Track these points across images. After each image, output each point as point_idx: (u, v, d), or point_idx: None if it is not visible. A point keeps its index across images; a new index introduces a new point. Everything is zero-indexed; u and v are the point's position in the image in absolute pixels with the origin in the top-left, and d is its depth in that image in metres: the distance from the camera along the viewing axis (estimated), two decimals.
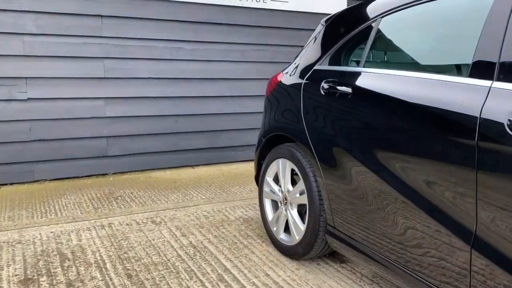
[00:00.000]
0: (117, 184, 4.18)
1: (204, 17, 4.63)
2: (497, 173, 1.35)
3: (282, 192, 2.61)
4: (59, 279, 2.27)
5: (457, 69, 1.76)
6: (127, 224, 3.10)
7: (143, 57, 4.41)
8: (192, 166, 4.91)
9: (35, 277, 2.29)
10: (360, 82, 2.04)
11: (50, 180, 4.26)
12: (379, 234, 1.90)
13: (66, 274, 2.33)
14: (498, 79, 1.41)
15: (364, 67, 2.11)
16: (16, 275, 2.32)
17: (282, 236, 2.64)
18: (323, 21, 2.70)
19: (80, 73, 4.17)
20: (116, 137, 4.43)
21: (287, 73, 2.75)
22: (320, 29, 2.66)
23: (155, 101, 4.56)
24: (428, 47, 1.93)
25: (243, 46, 4.94)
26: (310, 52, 2.61)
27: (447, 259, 1.57)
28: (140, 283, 2.24)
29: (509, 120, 1.30)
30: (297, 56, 2.79)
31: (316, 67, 2.47)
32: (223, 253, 2.63)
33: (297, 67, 2.66)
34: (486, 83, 1.43)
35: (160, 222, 3.15)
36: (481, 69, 1.47)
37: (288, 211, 2.56)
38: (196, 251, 2.66)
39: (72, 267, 2.41)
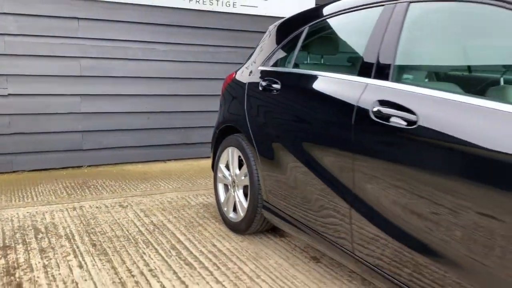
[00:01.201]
0: (91, 175, 4.52)
1: (177, 20, 4.99)
2: (364, 149, 1.76)
3: (231, 176, 3.00)
4: (33, 247, 2.63)
5: (354, 69, 2.17)
6: (97, 207, 3.46)
7: (118, 57, 4.75)
8: (164, 160, 5.26)
9: (12, 245, 2.64)
10: (285, 80, 2.45)
11: (28, 171, 4.57)
12: (300, 206, 2.30)
13: (40, 243, 2.68)
14: (374, 77, 1.82)
15: (292, 67, 2.52)
16: None
17: (231, 215, 3.02)
18: (270, 27, 3.10)
19: (57, 71, 4.50)
20: (90, 132, 4.77)
21: (239, 72, 3.14)
22: (267, 34, 3.06)
23: (128, 99, 4.91)
24: (338, 51, 2.34)
25: (214, 48, 5.31)
26: (257, 54, 3.01)
27: (345, 220, 1.97)
28: (103, 250, 2.61)
29: (372, 106, 1.71)
30: (249, 57, 3.18)
31: (260, 67, 2.86)
32: (179, 230, 3.00)
33: (246, 67, 3.06)
34: (366, 80, 1.84)
35: (127, 206, 3.51)
36: (365, 69, 1.88)
37: (235, 192, 2.95)
38: (156, 228, 3.03)
39: (45, 238, 2.77)
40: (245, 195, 2.90)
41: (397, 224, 1.67)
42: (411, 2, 1.86)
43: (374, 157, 1.72)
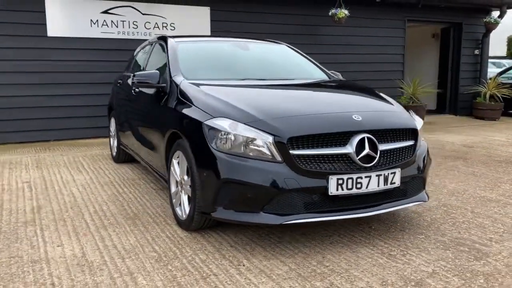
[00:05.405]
0: (54, 145, 7.17)
1: (109, 46, 7.65)
2: (135, 105, 4.42)
3: (113, 131, 5.67)
4: (7, 167, 5.32)
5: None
6: (47, 156, 6.13)
7: (69, 71, 7.43)
8: (100, 137, 7.89)
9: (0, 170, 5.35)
10: (123, 78, 5.13)
11: (15, 142, 7.23)
12: (128, 140, 4.95)
13: (10, 167, 5.37)
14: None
15: (127, 72, 5.20)
16: None
17: (113, 153, 5.69)
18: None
19: (27, 81, 7.17)
20: (54, 118, 7.43)
21: (121, 75, 5.81)
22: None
23: (75, 97, 7.58)
24: (147, 64, 4.99)
25: None
26: (128, 65, 5.69)
27: (134, 137, 4.61)
28: (44, 167, 5.29)
29: (135, 85, 4.34)
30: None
31: (124, 72, 5.54)
32: (86, 162, 5.67)
33: (122, 72, 5.74)
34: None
35: (65, 155, 6.17)
36: (140, 69, 4.53)
37: (113, 142, 5.62)
38: (75, 162, 5.70)
39: (16, 166, 5.45)
40: (117, 141, 5.56)
41: (139, 134, 4.31)
42: (156, 42, 4.53)
43: (137, 107, 4.38)
